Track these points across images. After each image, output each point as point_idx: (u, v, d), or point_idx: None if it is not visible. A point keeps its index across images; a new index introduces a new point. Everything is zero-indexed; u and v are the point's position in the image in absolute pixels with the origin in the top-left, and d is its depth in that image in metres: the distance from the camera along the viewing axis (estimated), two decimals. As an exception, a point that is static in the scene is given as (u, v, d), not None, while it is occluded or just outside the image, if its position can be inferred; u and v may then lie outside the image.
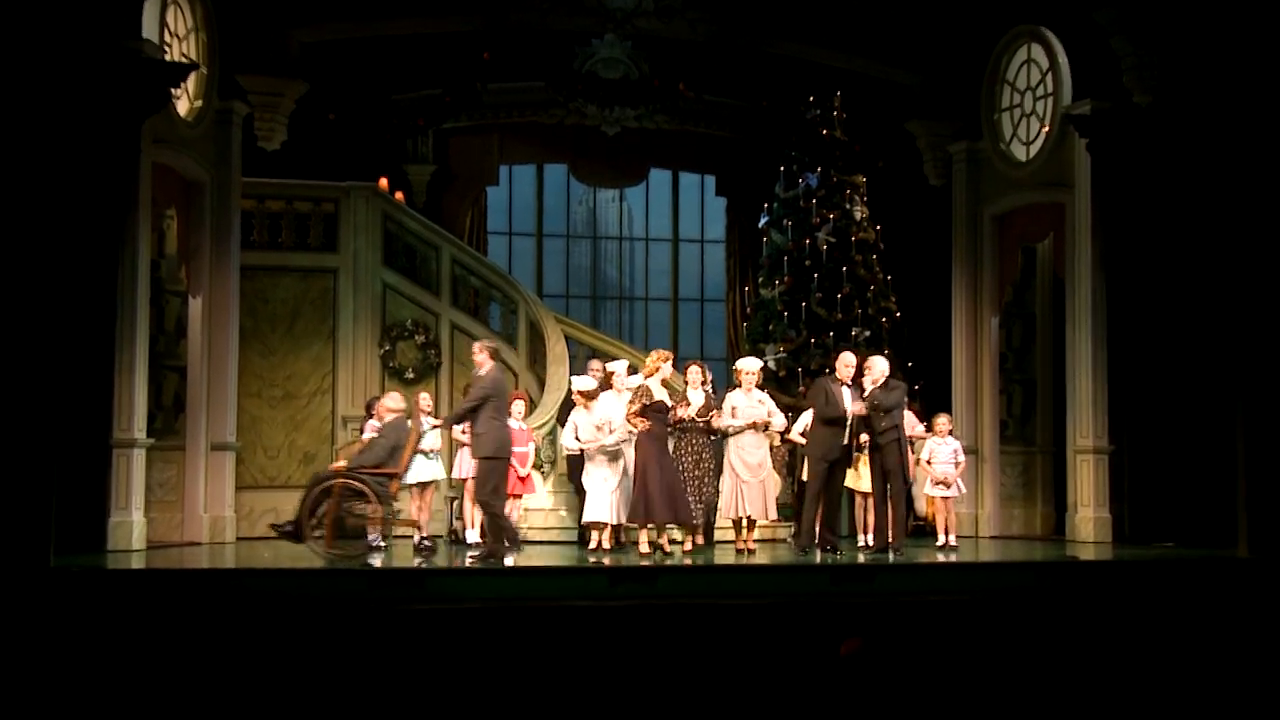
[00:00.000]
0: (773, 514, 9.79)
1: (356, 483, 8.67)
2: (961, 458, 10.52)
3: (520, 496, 10.05)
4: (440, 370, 12.58)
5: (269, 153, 12.31)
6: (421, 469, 9.99)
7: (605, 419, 9.47)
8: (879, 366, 9.77)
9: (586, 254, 16.08)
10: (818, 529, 9.60)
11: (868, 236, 13.23)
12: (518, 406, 9.99)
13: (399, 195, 13.31)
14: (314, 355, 12.35)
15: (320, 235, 12.41)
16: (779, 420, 9.67)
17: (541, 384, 12.37)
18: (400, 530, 10.43)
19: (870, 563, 8.91)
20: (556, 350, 12.45)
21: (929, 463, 10.28)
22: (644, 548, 9.22)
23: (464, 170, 14.60)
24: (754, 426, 9.50)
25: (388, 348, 12.45)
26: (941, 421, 10.46)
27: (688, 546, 9.49)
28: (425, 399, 10.00)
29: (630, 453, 9.47)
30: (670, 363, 9.52)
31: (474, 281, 12.86)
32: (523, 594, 7.76)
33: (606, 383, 9.73)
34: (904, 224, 13.91)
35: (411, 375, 12.34)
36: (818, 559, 9.24)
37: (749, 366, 9.82)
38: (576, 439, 9.56)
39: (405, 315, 12.50)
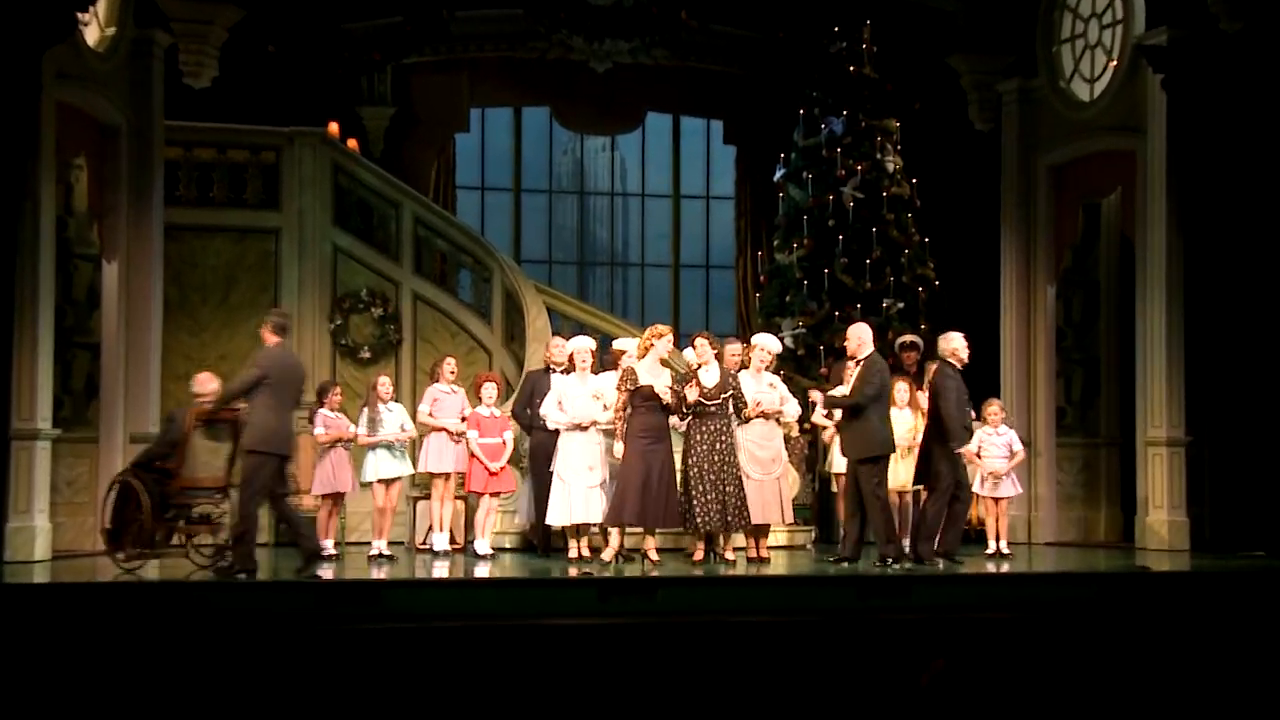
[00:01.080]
0: (789, 517, 9.71)
1: (134, 481, 8.50)
2: (1018, 449, 10.37)
3: (497, 495, 9.94)
4: (401, 348, 12.52)
5: (197, 91, 12.16)
6: (384, 465, 9.88)
7: (603, 390, 9.43)
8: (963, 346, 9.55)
9: (572, 213, 16.08)
10: (847, 534, 9.53)
11: (902, 192, 13.16)
12: (489, 390, 9.89)
13: (352, 143, 13.19)
14: (252, 331, 11.90)
15: (259, 190, 12.31)
16: (792, 409, 9.64)
17: (520, 364, 12.27)
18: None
19: (905, 574, 8.82)
20: (537, 325, 12.39)
21: (979, 456, 10.14)
22: (654, 555, 9.21)
23: (428, 114, 14.47)
24: (764, 415, 9.51)
25: (339, 322, 12.43)
26: (994, 409, 10.30)
27: (698, 556, 9.41)
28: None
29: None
30: (668, 340, 9.38)
31: (440, 244, 12.85)
32: (496, 610, 7.75)
33: (614, 365, 9.74)
34: (944, 177, 13.81)
35: (367, 354, 12.36)
36: (833, 569, 9.24)
37: (768, 345, 9.75)
38: (562, 411, 9.49)
39: (360, 284, 12.47)
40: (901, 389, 10.16)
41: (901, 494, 10.12)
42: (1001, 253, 12.90)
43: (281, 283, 12.23)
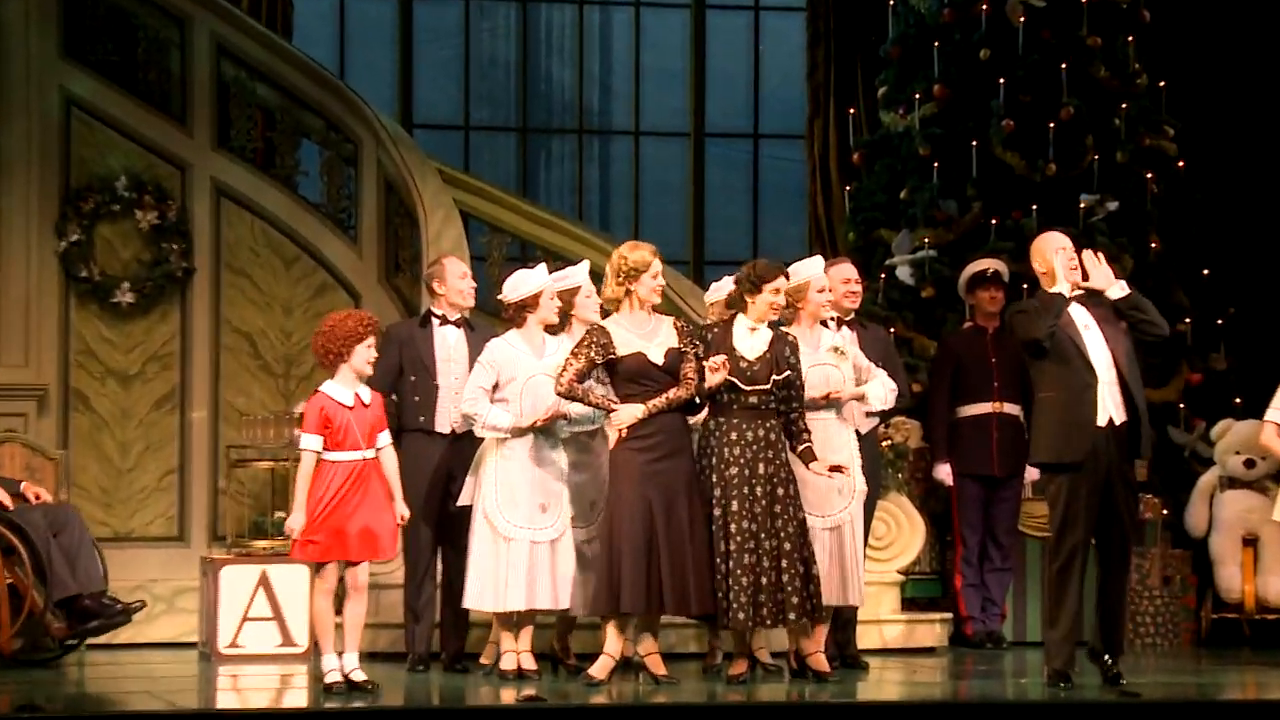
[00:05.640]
0: (856, 595, 9.70)
1: None
2: None
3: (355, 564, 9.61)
4: (192, 287, 12.58)
5: None
6: None
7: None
8: None
9: (509, 39, 16.06)
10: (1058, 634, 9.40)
11: (1116, -4, 13.27)
12: (362, 355, 9.31)
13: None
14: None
15: (-81, -9, 12.35)
16: (877, 391, 9.80)
17: (412, 312, 12.14)
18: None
19: (1123, 699, 8.78)
20: (444, 240, 12.29)
21: None
22: (657, 665, 9.26)
23: None
24: (828, 401, 9.67)
25: (76, 238, 12.46)
26: None
27: (736, 670, 9.44)
28: None
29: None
30: (656, 268, 9.28)
31: (264, 95, 12.97)
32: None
33: (567, 310, 9.87)
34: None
35: (129, 297, 12.42)
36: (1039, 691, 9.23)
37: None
38: (496, 401, 9.47)
39: (115, 167, 12.55)
40: None
41: None
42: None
43: (-31, 164, 12.30)
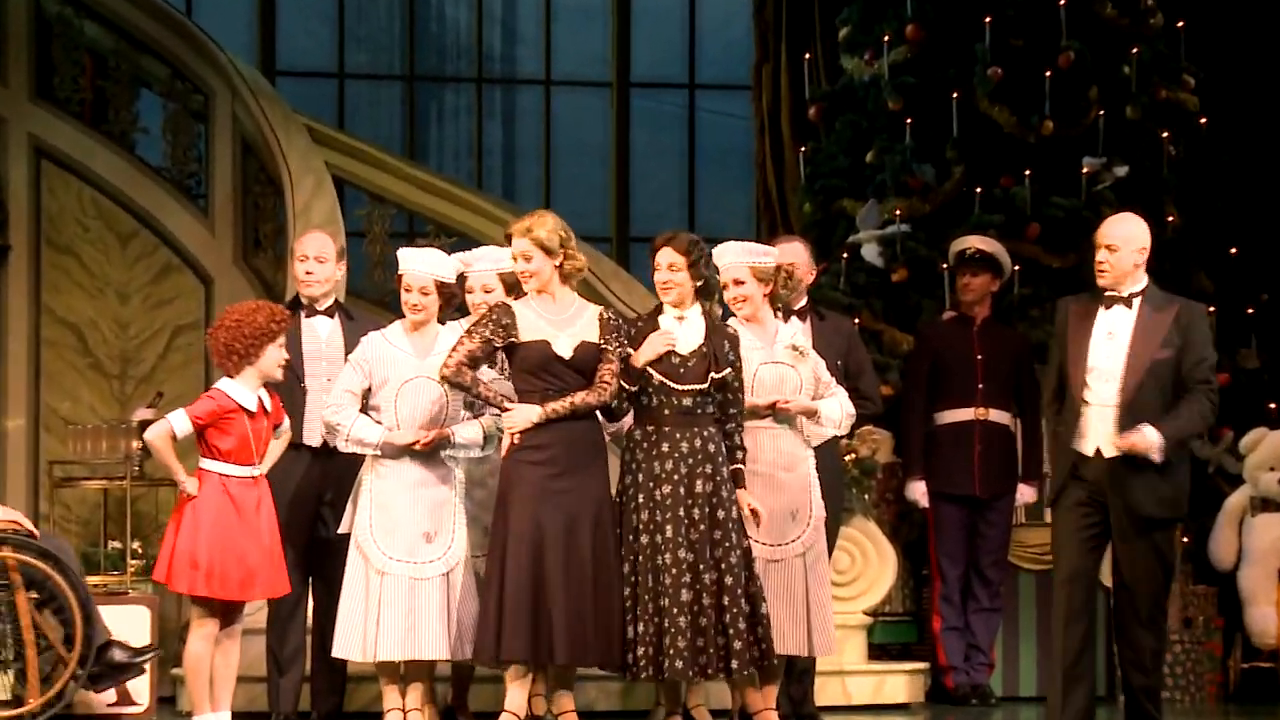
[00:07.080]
0: (825, 645, 9.70)
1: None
2: None
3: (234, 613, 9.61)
4: (4, 266, 12.74)
5: None
6: None
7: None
8: None
9: None
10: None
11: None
12: (270, 363, 9.40)
13: None
14: None
15: None
16: (833, 411, 9.84)
17: (274, 294, 12.23)
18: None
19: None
20: (314, 212, 12.38)
21: None
22: None
23: None
24: (774, 411, 9.62)
25: None
26: None
27: None
28: None
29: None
30: (556, 233, 9.14)
31: (94, 35, 13.18)
32: None
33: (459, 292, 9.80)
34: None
35: None
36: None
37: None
38: (366, 410, 9.45)
39: None
40: None
41: None
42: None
43: None
